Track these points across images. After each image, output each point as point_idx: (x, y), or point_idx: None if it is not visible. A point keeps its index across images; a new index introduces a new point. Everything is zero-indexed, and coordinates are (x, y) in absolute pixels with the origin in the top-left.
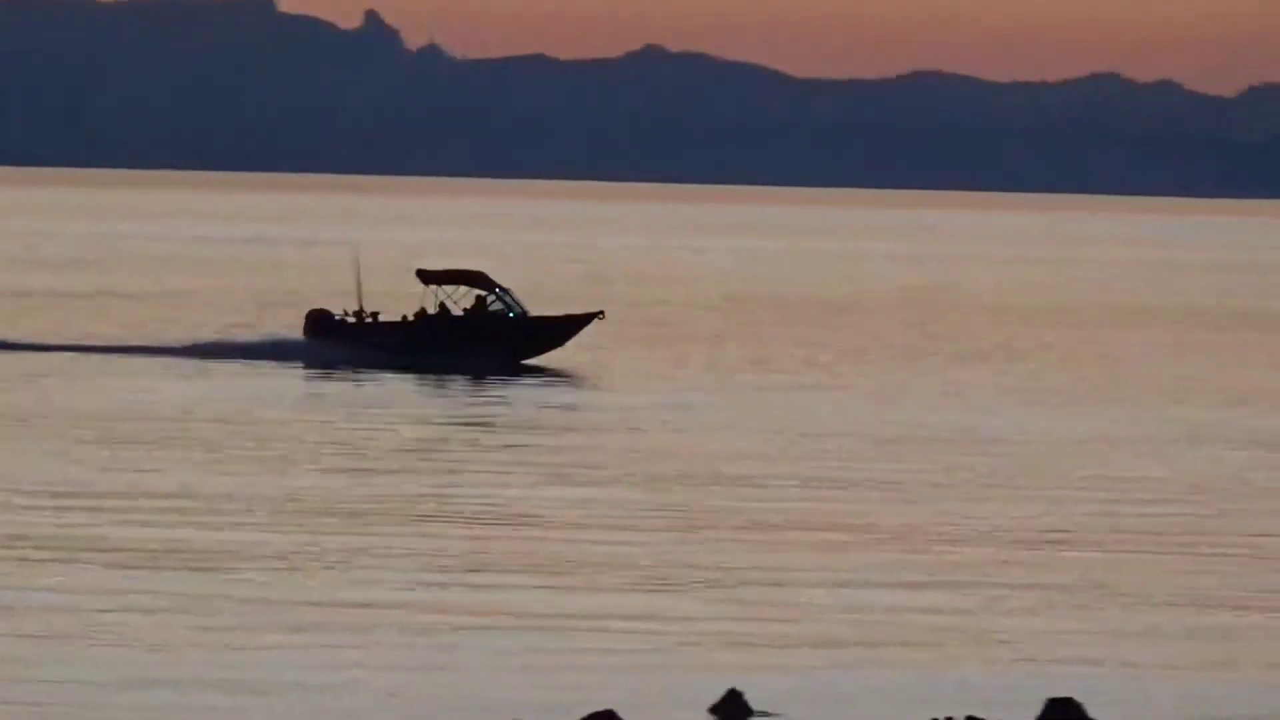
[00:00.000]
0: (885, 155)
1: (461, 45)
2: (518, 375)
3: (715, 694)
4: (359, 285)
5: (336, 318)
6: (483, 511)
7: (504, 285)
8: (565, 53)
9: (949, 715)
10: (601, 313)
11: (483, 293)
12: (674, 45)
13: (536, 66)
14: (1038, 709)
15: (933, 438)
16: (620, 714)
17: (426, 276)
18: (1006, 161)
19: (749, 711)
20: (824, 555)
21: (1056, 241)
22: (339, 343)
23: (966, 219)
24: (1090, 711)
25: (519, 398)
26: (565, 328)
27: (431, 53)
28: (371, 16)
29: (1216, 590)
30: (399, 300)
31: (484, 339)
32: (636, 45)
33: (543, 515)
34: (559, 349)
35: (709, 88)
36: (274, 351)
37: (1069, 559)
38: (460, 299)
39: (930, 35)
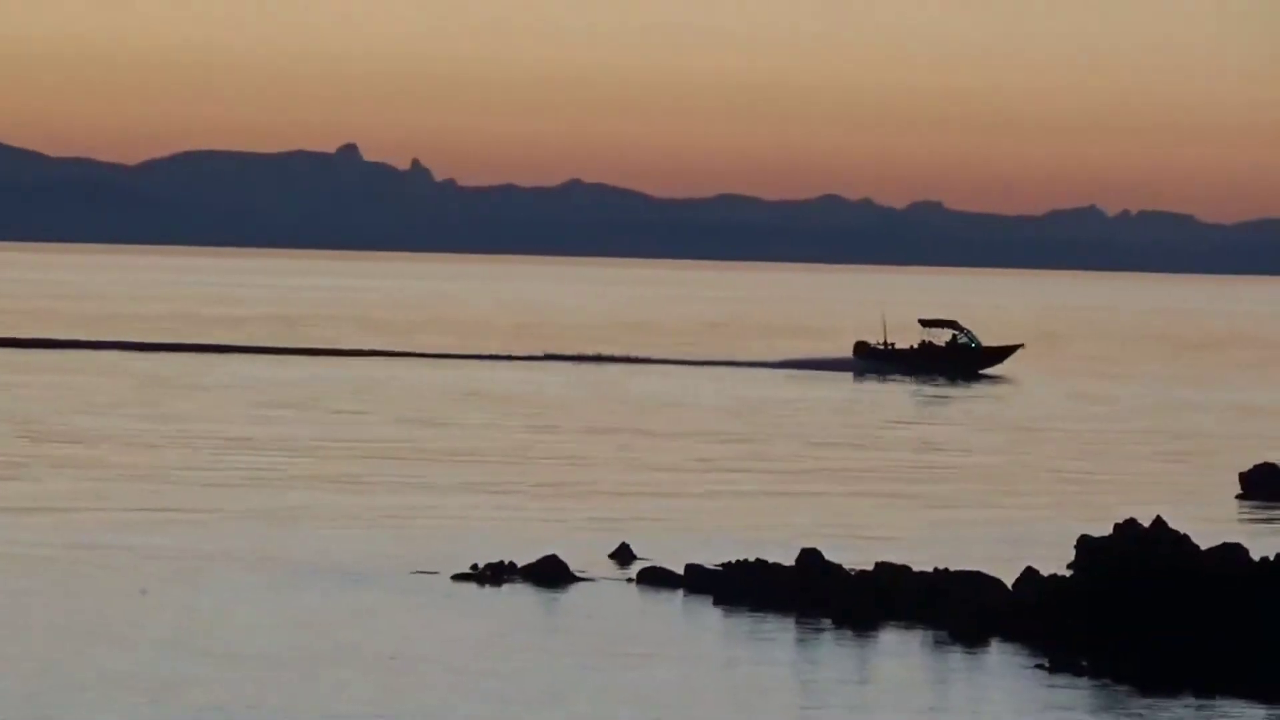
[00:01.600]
0: None
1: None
2: (975, 381)
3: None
4: (885, 325)
5: (873, 344)
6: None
7: (967, 327)
8: None
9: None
10: (1023, 344)
11: (955, 332)
12: None
13: None
14: None
15: None
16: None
17: (924, 323)
18: None
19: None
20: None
21: None
22: (874, 360)
23: None
24: None
25: (966, 390)
26: (1002, 354)
27: None
28: None
29: None
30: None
31: (957, 360)
32: None
33: None
34: (998, 366)
35: None
36: (835, 364)
37: None
38: (940, 336)
39: None
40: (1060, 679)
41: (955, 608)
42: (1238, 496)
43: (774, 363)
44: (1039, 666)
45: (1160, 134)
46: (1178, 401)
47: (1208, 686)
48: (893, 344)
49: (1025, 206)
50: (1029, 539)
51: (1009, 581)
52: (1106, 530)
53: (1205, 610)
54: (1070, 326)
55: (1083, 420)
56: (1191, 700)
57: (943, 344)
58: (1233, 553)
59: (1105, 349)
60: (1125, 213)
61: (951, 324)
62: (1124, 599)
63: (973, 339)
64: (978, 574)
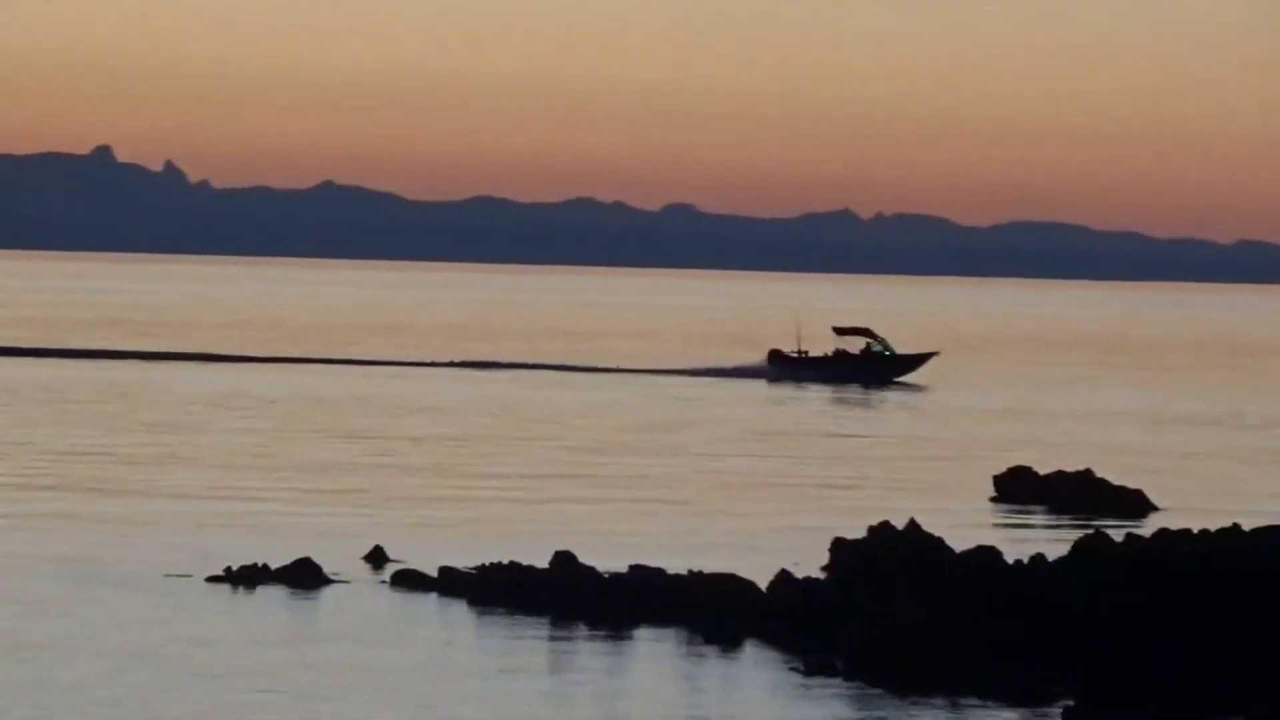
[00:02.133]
0: None
1: None
2: (888, 388)
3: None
4: (799, 333)
5: (787, 352)
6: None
7: (882, 335)
8: None
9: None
10: (938, 352)
11: (870, 340)
12: None
13: None
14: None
15: None
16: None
17: (838, 330)
18: None
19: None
20: None
21: None
22: (787, 368)
23: None
24: None
25: (884, 395)
26: (917, 361)
27: None
28: None
29: None
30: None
31: (871, 367)
32: None
33: None
34: (911, 374)
35: None
36: (748, 372)
37: None
38: (855, 344)
39: None
40: (814, 681)
41: (709, 610)
42: (991, 499)
43: (689, 370)
44: (793, 669)
45: (913, 137)
46: (937, 404)
47: (960, 689)
48: (806, 351)
49: (779, 209)
50: (785, 541)
51: (763, 584)
52: (861, 532)
53: (958, 612)
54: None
55: (842, 424)
56: (944, 703)
57: (857, 352)
58: (987, 555)
59: None
60: (880, 215)
61: (866, 332)
62: (877, 601)
63: (887, 347)
64: (732, 576)
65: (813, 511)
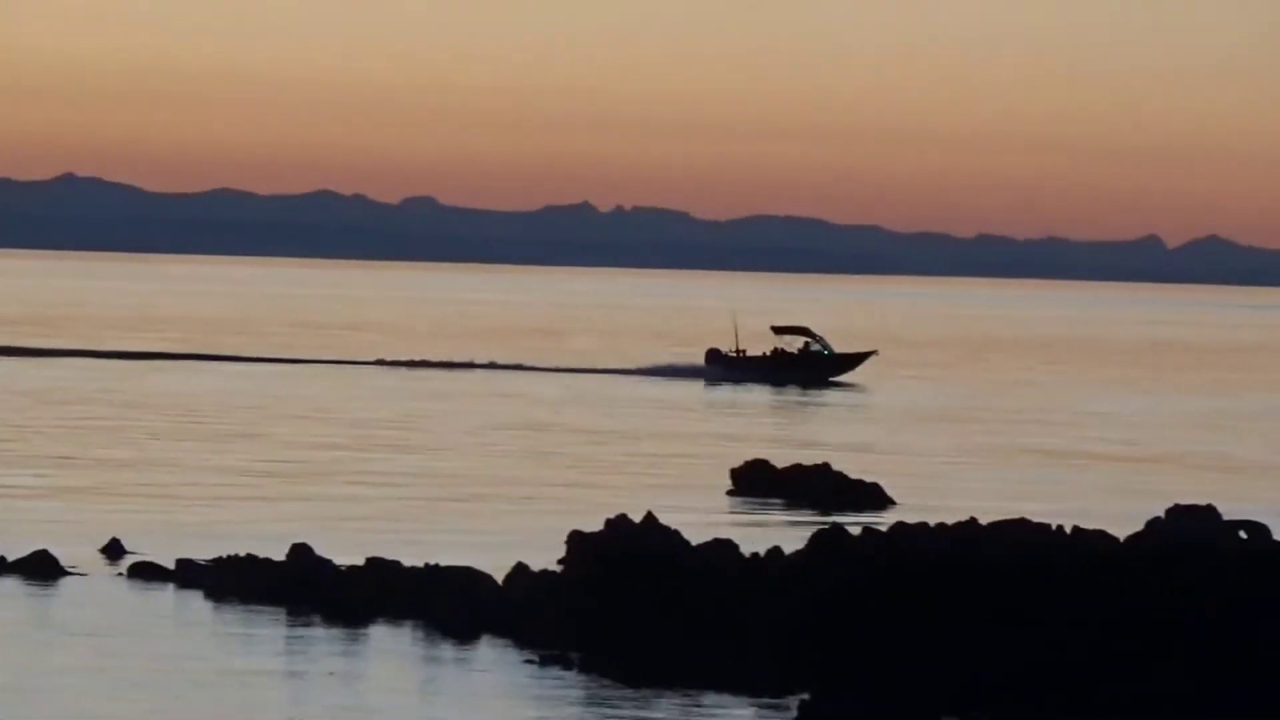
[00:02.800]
0: None
1: None
2: (826, 388)
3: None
4: (736, 332)
5: (725, 351)
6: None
7: (820, 334)
8: None
9: None
10: (876, 351)
11: (808, 339)
12: None
13: None
14: None
15: None
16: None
17: (776, 329)
18: None
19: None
20: None
21: None
22: (725, 367)
23: None
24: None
25: (822, 395)
26: (855, 360)
27: None
28: None
29: None
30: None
31: (810, 367)
32: None
33: None
34: (849, 373)
35: None
36: (686, 371)
37: None
38: (793, 343)
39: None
40: (549, 674)
41: (445, 604)
42: (729, 493)
43: (629, 369)
44: (529, 662)
45: (652, 130)
46: (677, 399)
47: (696, 681)
48: (744, 351)
49: (519, 202)
50: (523, 535)
51: (500, 577)
52: (598, 525)
53: (694, 606)
54: (565, 324)
55: (590, 418)
56: (679, 695)
57: (795, 351)
58: (724, 547)
59: (603, 343)
60: (618, 209)
61: (804, 331)
62: (613, 594)
63: (825, 346)
64: (469, 569)
65: (551, 505)
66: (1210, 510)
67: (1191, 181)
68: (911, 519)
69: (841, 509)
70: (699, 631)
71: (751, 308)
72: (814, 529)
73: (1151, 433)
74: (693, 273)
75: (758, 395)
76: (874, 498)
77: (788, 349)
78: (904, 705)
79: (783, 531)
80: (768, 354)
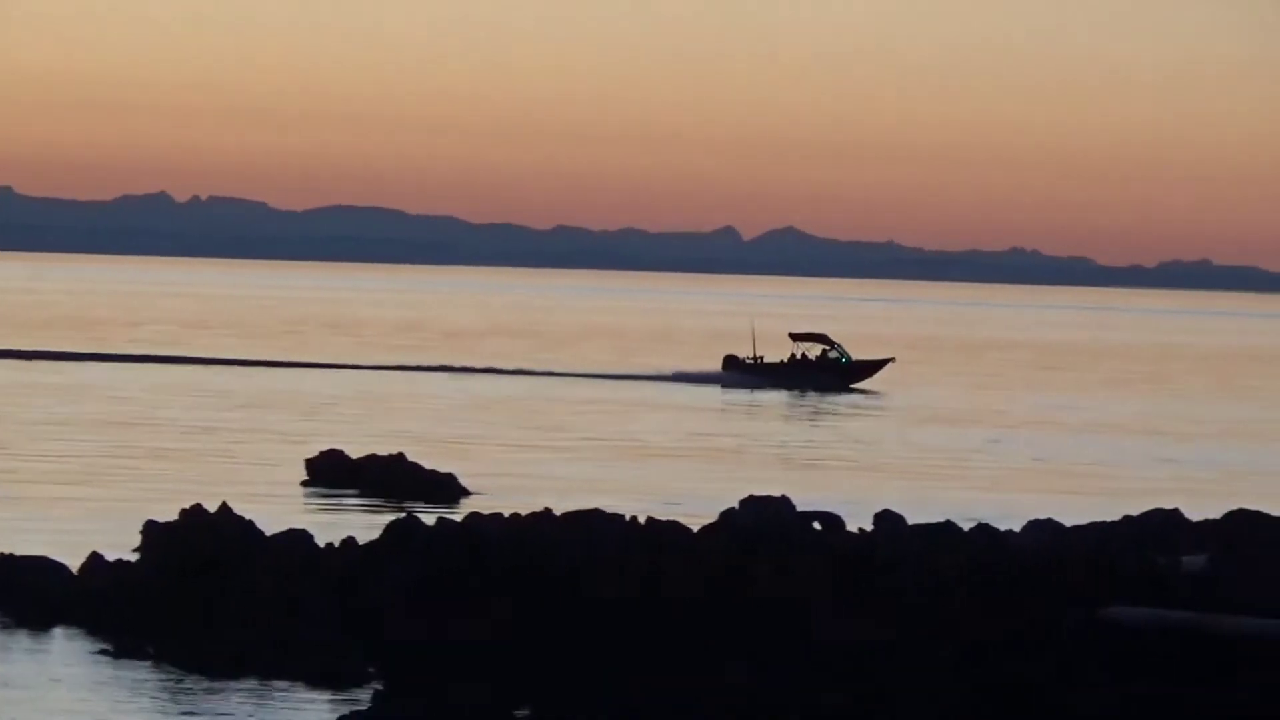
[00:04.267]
0: None
1: None
2: (846, 394)
3: None
4: (754, 339)
5: (741, 358)
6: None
7: (838, 341)
8: None
9: None
10: (894, 358)
11: (826, 347)
12: None
13: None
14: None
15: None
16: None
17: (794, 336)
18: None
19: None
20: None
21: None
22: (743, 374)
23: None
24: None
25: (838, 399)
26: (874, 367)
27: None
28: None
29: None
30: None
31: (827, 374)
32: None
33: None
34: (869, 380)
35: None
36: (703, 378)
37: None
38: (811, 350)
39: None
40: (124, 664)
41: (19, 593)
42: (304, 483)
43: (644, 375)
44: (103, 652)
45: (231, 120)
46: (253, 392)
47: (269, 672)
48: (761, 358)
49: (96, 192)
50: (101, 523)
51: (75, 566)
52: (174, 515)
53: (267, 596)
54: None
55: (172, 410)
56: (252, 685)
57: (813, 358)
58: (298, 537)
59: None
60: (195, 198)
61: (822, 338)
62: (187, 584)
63: (843, 353)
64: (43, 559)
65: (129, 496)
66: (784, 501)
67: (768, 173)
68: (487, 509)
69: (416, 499)
70: (272, 621)
71: (308, 296)
72: (389, 519)
73: (727, 424)
74: (271, 263)
75: (340, 383)
76: (449, 488)
77: (807, 355)
78: (475, 693)
79: (357, 521)
80: (785, 361)
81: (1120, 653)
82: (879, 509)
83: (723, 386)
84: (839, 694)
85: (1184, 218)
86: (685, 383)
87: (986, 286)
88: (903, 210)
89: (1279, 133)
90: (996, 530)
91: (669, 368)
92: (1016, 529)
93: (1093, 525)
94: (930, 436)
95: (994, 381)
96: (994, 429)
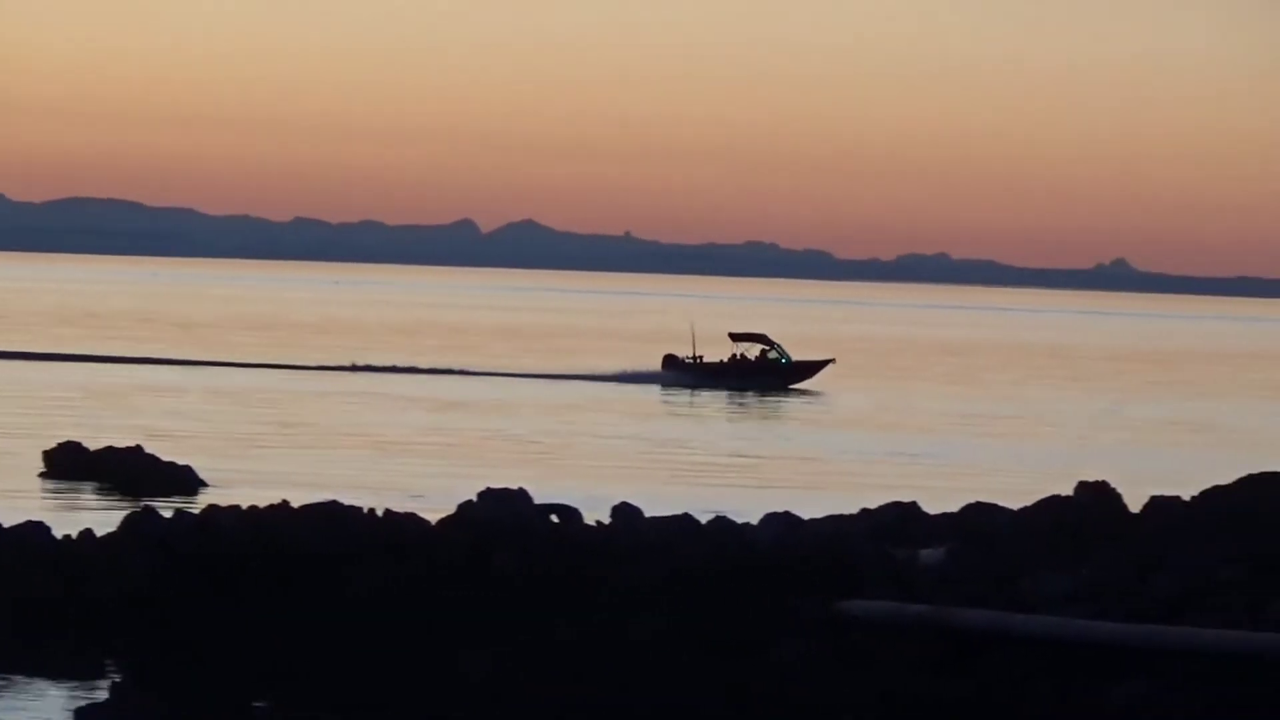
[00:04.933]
0: None
1: None
2: (786, 395)
3: None
4: (694, 338)
5: (681, 358)
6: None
7: (777, 341)
8: None
9: None
10: (834, 359)
11: (766, 347)
12: None
13: None
14: None
15: None
16: None
17: (734, 336)
18: None
19: None
20: None
21: None
22: (683, 373)
23: None
24: None
25: (778, 401)
26: (813, 368)
27: None
28: None
29: None
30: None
31: (767, 374)
32: None
33: None
34: (808, 380)
35: None
36: (643, 377)
37: None
38: (751, 350)
39: None
40: None
41: None
42: (41, 474)
43: (586, 375)
44: None
45: None
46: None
47: (5, 665)
48: (701, 357)
49: None
50: None
51: None
52: None
53: (5, 588)
54: None
55: None
56: None
57: (753, 358)
58: (36, 529)
59: None
60: None
61: (762, 338)
62: None
63: (783, 354)
64: None
65: None
66: (522, 494)
67: (506, 167)
68: (225, 501)
69: (154, 491)
70: (8, 614)
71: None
72: (126, 510)
73: (466, 419)
74: (7, 255)
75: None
76: (187, 480)
77: (747, 355)
78: (213, 689)
79: (95, 514)
80: (724, 360)
81: (857, 646)
82: (617, 502)
83: (662, 386)
84: (576, 686)
85: (922, 212)
86: (628, 383)
87: (724, 280)
88: (641, 204)
89: (1014, 127)
90: (734, 523)
91: (403, 361)
92: (754, 522)
93: (830, 518)
94: (664, 430)
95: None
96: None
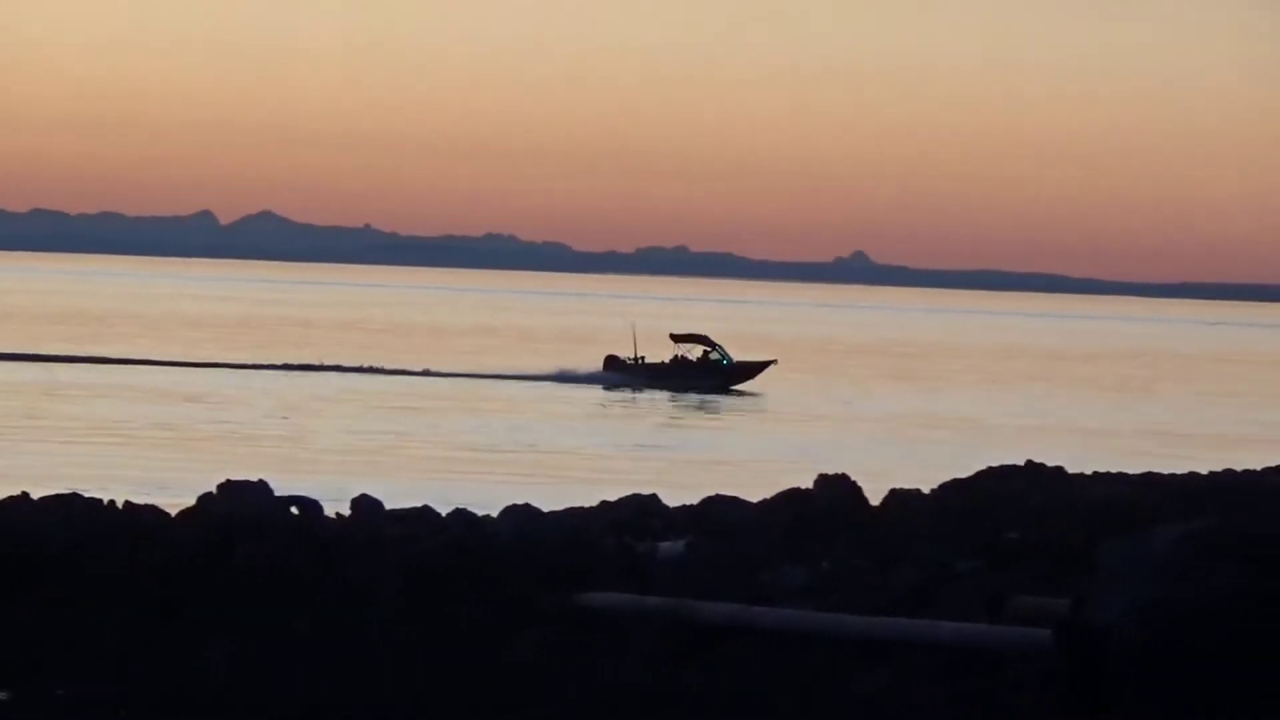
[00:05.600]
0: None
1: None
2: (727, 396)
3: None
4: (635, 339)
5: (623, 358)
6: None
7: (719, 343)
8: None
9: None
10: (776, 360)
11: (707, 348)
12: None
13: None
14: None
15: None
16: None
17: (675, 337)
18: None
19: None
20: None
21: None
22: (624, 374)
23: None
24: None
25: (718, 400)
26: (754, 369)
27: None
28: None
29: None
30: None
31: (709, 375)
32: None
33: None
34: (750, 382)
35: None
36: (584, 378)
37: None
38: (692, 351)
39: None
40: None
41: None
42: None
43: (532, 375)
44: None
45: None
46: None
47: None
48: (643, 358)
49: None
50: None
51: None
52: None
53: None
54: None
55: None
56: None
57: (695, 359)
58: None
59: None
60: None
61: (703, 339)
62: None
63: (724, 355)
64: None
65: None
66: (262, 485)
67: (245, 158)
68: None
69: None
70: None
71: None
72: None
73: (213, 412)
74: None
75: None
76: None
77: (689, 356)
78: None
79: None
80: (666, 361)
81: (597, 639)
82: (357, 494)
83: (604, 387)
84: (313, 679)
85: (661, 205)
86: (570, 383)
87: (464, 272)
88: (380, 195)
89: (753, 121)
90: (474, 515)
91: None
92: (495, 514)
93: (570, 511)
94: (405, 423)
95: (479, 366)
96: (485, 416)
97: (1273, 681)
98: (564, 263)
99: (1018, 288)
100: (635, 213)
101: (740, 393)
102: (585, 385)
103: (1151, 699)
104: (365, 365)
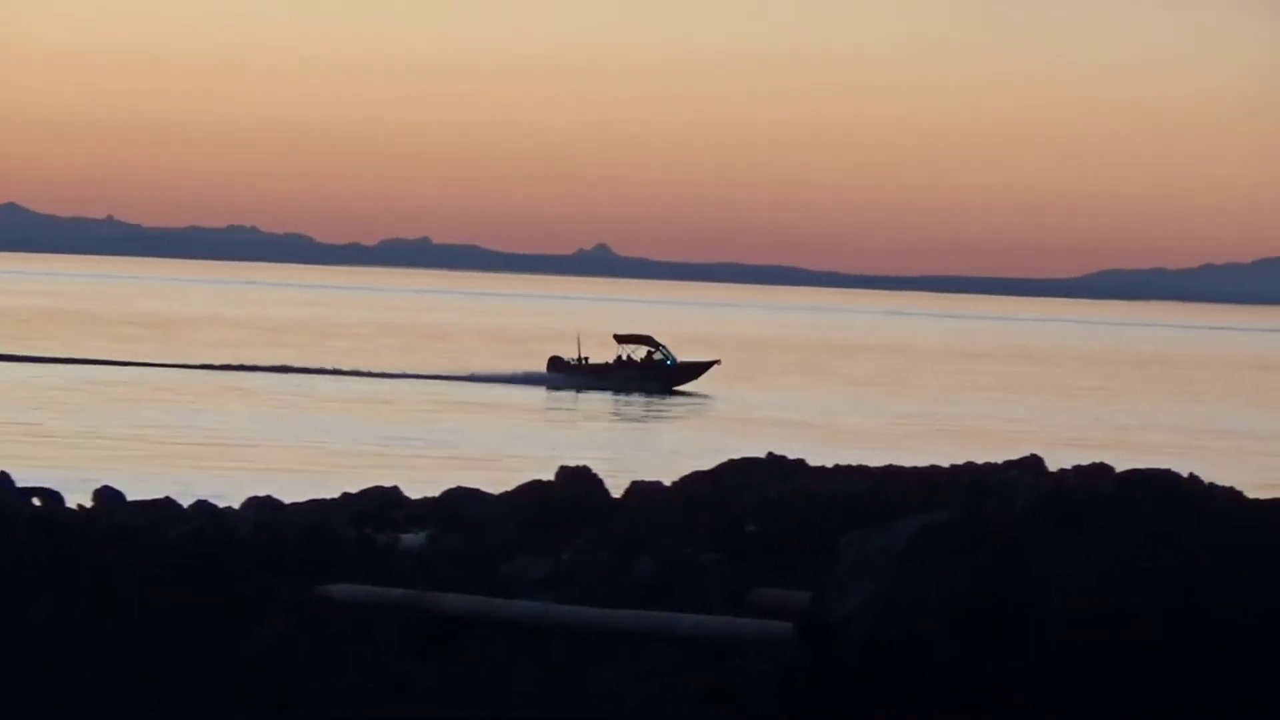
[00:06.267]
0: None
1: None
2: (670, 396)
3: None
4: (579, 340)
5: (566, 359)
6: None
7: (663, 343)
8: None
9: None
10: (719, 360)
11: (651, 349)
12: None
13: None
14: None
15: None
16: None
17: (619, 338)
18: None
19: None
20: None
21: None
22: (568, 375)
23: None
24: None
25: (660, 401)
26: (698, 369)
27: None
28: None
29: None
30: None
31: (653, 376)
32: None
33: None
34: (694, 382)
35: None
36: (530, 379)
37: None
38: (637, 352)
39: None
40: None
41: None
42: None
43: (463, 376)
44: None
45: None
46: None
47: None
48: (587, 359)
49: None
50: None
51: None
52: None
53: None
54: None
55: None
56: None
57: (638, 360)
58: None
59: None
60: None
61: (647, 340)
62: None
63: (668, 355)
64: None
65: None
66: (4, 476)
67: None
68: None
69: None
70: None
71: None
72: None
73: None
74: None
75: None
76: None
77: (633, 357)
78: None
79: None
80: (610, 362)
81: (339, 631)
82: (100, 485)
83: (548, 388)
84: (52, 669)
85: (404, 196)
86: (511, 384)
87: (207, 264)
88: (122, 185)
89: (497, 114)
90: (215, 506)
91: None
92: (236, 506)
93: (312, 503)
94: (160, 414)
95: (221, 354)
96: (201, 407)
97: (999, 674)
98: (307, 254)
99: (759, 280)
100: (378, 204)
101: (684, 393)
102: (532, 386)
103: (887, 690)
104: (110, 359)
